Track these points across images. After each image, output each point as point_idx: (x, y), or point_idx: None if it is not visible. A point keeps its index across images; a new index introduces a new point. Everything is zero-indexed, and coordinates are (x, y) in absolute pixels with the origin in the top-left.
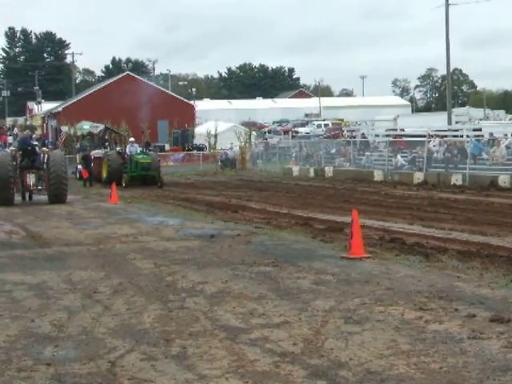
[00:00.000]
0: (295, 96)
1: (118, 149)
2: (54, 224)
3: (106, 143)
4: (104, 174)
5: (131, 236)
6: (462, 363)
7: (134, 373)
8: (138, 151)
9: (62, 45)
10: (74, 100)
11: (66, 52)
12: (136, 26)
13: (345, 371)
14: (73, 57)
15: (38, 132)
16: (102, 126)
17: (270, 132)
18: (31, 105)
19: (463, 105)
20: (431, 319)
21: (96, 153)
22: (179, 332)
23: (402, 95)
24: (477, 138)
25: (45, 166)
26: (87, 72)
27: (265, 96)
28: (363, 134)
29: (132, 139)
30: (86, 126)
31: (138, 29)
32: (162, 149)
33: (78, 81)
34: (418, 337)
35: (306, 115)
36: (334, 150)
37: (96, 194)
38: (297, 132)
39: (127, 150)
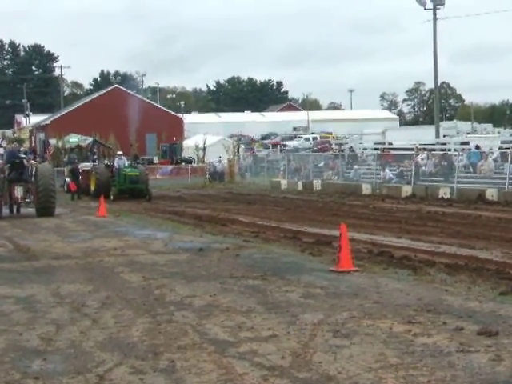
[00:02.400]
0: (283, 109)
1: (105, 162)
2: (41, 237)
3: (95, 156)
4: (92, 187)
5: (119, 249)
6: (450, 376)
7: None
8: (126, 164)
9: (50, 57)
10: (62, 113)
11: (55, 65)
12: (124, 39)
13: None
14: (61, 70)
15: (26, 145)
16: (90, 139)
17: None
18: (19, 117)
19: (451, 118)
20: (419, 332)
21: (84, 166)
22: (167, 345)
23: (389, 109)
24: (468, 152)
25: (33, 179)
26: (75, 85)
27: (253, 109)
28: (351, 147)
29: (120, 152)
30: (74, 138)
31: (126, 42)
32: (151, 162)
33: (66, 94)
34: (407, 350)
35: (295, 129)
36: (322, 164)
37: (84, 207)
38: (285, 145)
39: (115, 164)
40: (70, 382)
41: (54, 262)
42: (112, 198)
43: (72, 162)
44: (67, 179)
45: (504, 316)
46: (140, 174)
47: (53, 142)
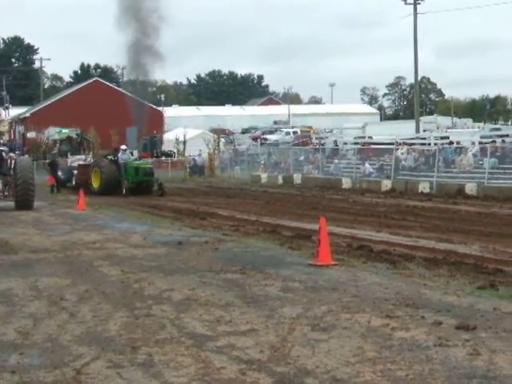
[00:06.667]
0: (264, 103)
1: (109, 156)
2: (20, 230)
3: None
4: (95, 184)
5: (98, 243)
6: (427, 370)
7: (100, 380)
8: (132, 158)
9: (30, 50)
10: (42, 105)
11: (35, 57)
12: (106, 31)
13: (311, 379)
14: (41, 62)
15: (5, 137)
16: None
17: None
18: None
19: (431, 113)
20: (398, 326)
21: (77, 159)
22: (145, 339)
23: (370, 103)
24: (446, 146)
25: (12, 172)
26: (55, 77)
27: (234, 103)
28: (335, 141)
29: (124, 146)
30: (64, 129)
31: (107, 35)
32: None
33: (46, 86)
34: (385, 344)
35: (275, 122)
36: (302, 158)
37: (63, 200)
38: (265, 139)
39: (119, 158)
40: (46, 376)
41: (32, 256)
42: (124, 192)
43: (63, 154)
44: (58, 172)
45: (482, 310)
46: (153, 167)
47: (32, 134)
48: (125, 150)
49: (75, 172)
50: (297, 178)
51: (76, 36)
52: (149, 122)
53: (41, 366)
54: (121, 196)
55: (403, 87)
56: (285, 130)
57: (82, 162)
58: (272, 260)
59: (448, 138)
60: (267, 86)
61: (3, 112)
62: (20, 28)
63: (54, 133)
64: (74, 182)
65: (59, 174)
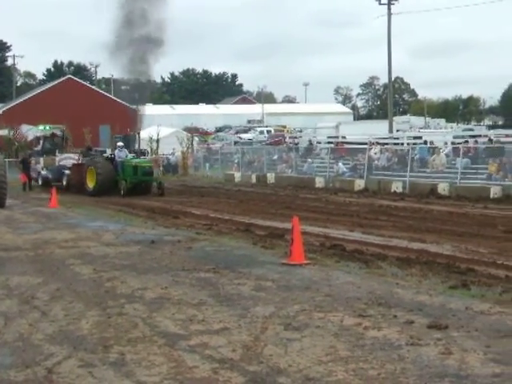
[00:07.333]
0: (238, 102)
1: (105, 154)
2: None
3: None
4: (90, 184)
5: (70, 241)
6: (399, 369)
7: (72, 380)
8: (130, 156)
9: (2, 47)
10: (15, 103)
11: (7, 54)
12: (79, 28)
13: (284, 378)
14: (14, 59)
15: None
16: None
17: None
18: None
19: (404, 113)
20: (370, 326)
21: (66, 157)
22: (118, 338)
23: (344, 103)
24: (420, 146)
25: None
26: (28, 75)
27: (208, 102)
28: (310, 140)
29: (120, 144)
30: (47, 126)
31: (80, 32)
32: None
33: (18, 84)
34: (357, 343)
35: (249, 121)
36: (276, 157)
37: (35, 198)
38: (239, 138)
39: (116, 156)
40: (17, 375)
41: (4, 254)
42: (123, 192)
43: (47, 152)
44: (43, 172)
45: (454, 309)
46: (152, 165)
47: (4, 132)
48: (121, 147)
49: (66, 172)
50: (270, 177)
51: (49, 33)
52: (122, 120)
53: (12, 365)
54: (117, 196)
55: (377, 87)
56: (259, 129)
57: (74, 161)
58: (245, 259)
59: (421, 137)
60: (241, 85)
61: None
62: None
63: (34, 129)
64: (64, 182)
65: (45, 172)
